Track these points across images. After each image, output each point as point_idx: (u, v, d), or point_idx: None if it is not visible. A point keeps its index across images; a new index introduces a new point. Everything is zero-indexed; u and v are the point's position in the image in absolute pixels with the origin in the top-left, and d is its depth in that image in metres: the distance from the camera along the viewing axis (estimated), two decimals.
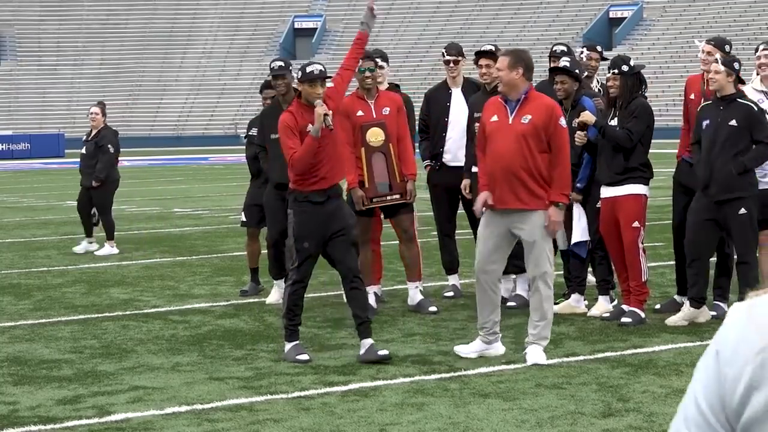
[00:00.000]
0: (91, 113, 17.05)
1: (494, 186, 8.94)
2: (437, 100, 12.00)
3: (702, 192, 10.09)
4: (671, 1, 79.56)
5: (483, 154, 9.14)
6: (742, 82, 10.24)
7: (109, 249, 16.73)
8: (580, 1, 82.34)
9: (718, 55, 10.63)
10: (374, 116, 11.08)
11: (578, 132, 10.55)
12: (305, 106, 8.95)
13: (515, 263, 11.48)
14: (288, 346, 9.13)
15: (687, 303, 10.34)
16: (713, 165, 9.96)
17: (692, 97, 10.90)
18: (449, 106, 11.93)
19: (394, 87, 11.94)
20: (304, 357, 8.99)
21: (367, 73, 11.11)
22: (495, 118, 9.00)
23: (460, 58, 11.94)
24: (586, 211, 10.81)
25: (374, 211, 11.29)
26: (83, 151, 16.96)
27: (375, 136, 11.05)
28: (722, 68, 10.03)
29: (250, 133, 12.65)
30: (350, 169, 10.95)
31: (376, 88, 11.24)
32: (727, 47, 10.88)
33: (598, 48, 12.14)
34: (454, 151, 11.84)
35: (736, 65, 10.10)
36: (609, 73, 10.44)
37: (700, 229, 10.13)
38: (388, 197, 11.12)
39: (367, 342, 8.98)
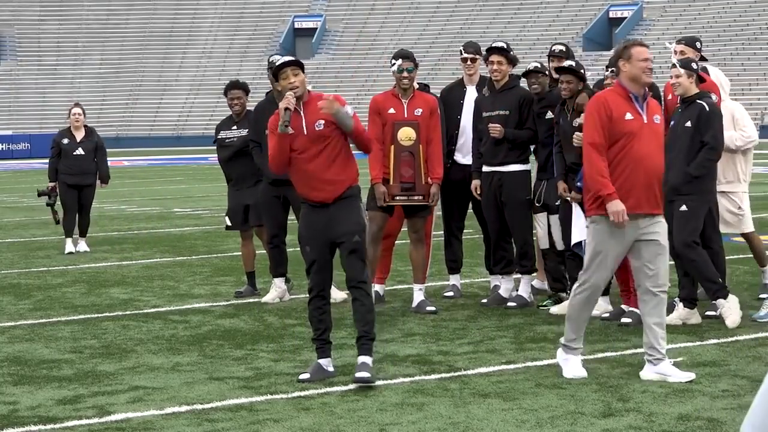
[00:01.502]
0: (75, 114, 17.06)
1: (631, 191, 8.22)
2: (452, 97, 11.99)
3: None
4: (671, 1, 79.55)
5: (603, 155, 8.23)
6: (702, 81, 10.26)
7: (84, 246, 16.98)
8: (580, 0, 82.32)
9: (692, 53, 10.70)
10: (405, 116, 11.07)
11: (576, 133, 10.55)
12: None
13: (522, 263, 11.49)
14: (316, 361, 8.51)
15: (680, 304, 10.35)
16: (669, 167, 10.00)
17: (669, 97, 10.96)
18: (463, 103, 11.91)
19: (423, 87, 11.92)
20: (304, 375, 8.36)
21: (405, 74, 11.09)
22: (630, 116, 8.26)
23: (477, 56, 11.88)
24: (584, 211, 10.80)
25: (394, 209, 11.27)
26: (80, 152, 16.90)
27: (406, 135, 11.04)
28: (682, 71, 10.07)
29: (219, 137, 12.69)
30: (375, 165, 10.96)
31: (413, 89, 11.21)
32: (697, 44, 10.99)
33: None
34: (467, 150, 11.81)
35: (693, 65, 10.14)
36: (607, 72, 10.44)
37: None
38: (410, 197, 11.12)
39: (360, 359, 8.29)
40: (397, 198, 11.09)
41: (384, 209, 11.12)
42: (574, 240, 10.87)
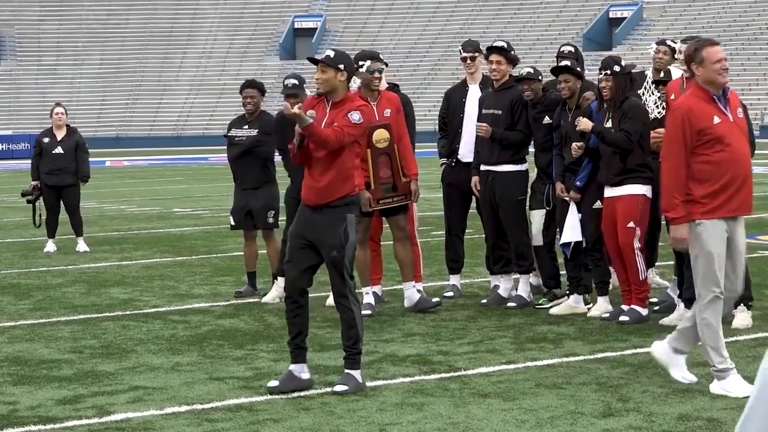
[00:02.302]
0: (57, 113, 17.16)
1: (732, 193, 7.82)
2: (455, 97, 12.00)
3: None
4: (671, 1, 79.55)
5: (685, 171, 7.80)
6: None
7: (84, 246, 17.06)
8: (580, 1, 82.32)
9: None
10: (377, 118, 11.08)
11: (574, 144, 10.57)
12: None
13: (519, 263, 11.49)
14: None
15: (681, 304, 10.36)
16: None
17: (672, 97, 10.86)
18: (465, 102, 11.91)
19: (393, 86, 11.93)
20: (273, 383, 8.06)
21: (376, 74, 11.10)
22: (717, 119, 7.81)
23: (476, 54, 11.86)
24: (581, 212, 10.79)
25: (374, 212, 11.29)
26: (59, 151, 16.98)
27: (381, 137, 11.06)
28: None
29: (229, 134, 12.65)
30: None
31: (378, 90, 11.23)
32: None
33: (668, 42, 11.63)
34: (469, 149, 11.81)
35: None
36: (600, 74, 10.41)
37: None
38: (394, 198, 11.15)
39: (345, 371, 8.14)
40: (381, 202, 11.12)
41: (366, 213, 11.12)
42: (564, 239, 10.85)
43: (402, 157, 11.14)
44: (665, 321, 10.28)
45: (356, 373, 8.08)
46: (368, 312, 10.95)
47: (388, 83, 11.93)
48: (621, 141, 10.27)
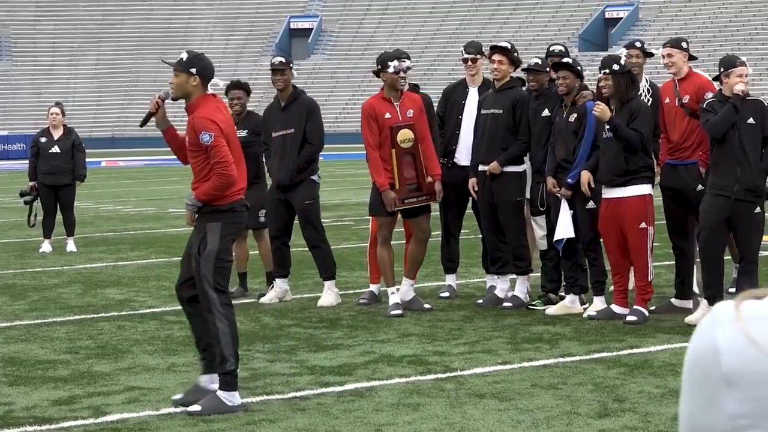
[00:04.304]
0: (53, 113, 17.18)
1: None
2: (454, 97, 11.97)
3: (725, 191, 9.97)
4: (667, 1, 79.62)
5: None
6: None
7: (73, 246, 17.12)
8: (576, 1, 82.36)
9: (680, 55, 10.71)
10: (400, 118, 11.11)
11: (549, 183, 10.60)
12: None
13: (516, 264, 11.48)
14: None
15: (705, 302, 10.23)
16: (743, 165, 9.93)
17: (667, 101, 10.86)
18: (464, 104, 11.90)
19: (413, 87, 11.92)
20: (195, 408, 7.43)
21: (402, 74, 11.12)
22: None
23: (478, 56, 11.84)
24: (575, 211, 10.76)
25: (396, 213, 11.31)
26: (56, 150, 16.99)
27: (405, 137, 11.09)
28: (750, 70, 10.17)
29: None
30: (379, 171, 10.99)
31: (401, 91, 11.25)
32: (683, 44, 10.96)
33: (637, 44, 11.70)
34: (466, 151, 11.79)
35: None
36: (600, 73, 10.41)
37: (716, 231, 10.04)
38: (419, 198, 11.19)
39: (201, 378, 7.71)
40: (406, 201, 11.14)
41: (391, 213, 11.15)
42: (557, 236, 10.81)
43: (425, 157, 11.17)
44: (690, 319, 10.16)
45: (225, 395, 7.49)
46: (399, 312, 10.93)
47: (409, 83, 11.92)
48: (634, 140, 10.21)
